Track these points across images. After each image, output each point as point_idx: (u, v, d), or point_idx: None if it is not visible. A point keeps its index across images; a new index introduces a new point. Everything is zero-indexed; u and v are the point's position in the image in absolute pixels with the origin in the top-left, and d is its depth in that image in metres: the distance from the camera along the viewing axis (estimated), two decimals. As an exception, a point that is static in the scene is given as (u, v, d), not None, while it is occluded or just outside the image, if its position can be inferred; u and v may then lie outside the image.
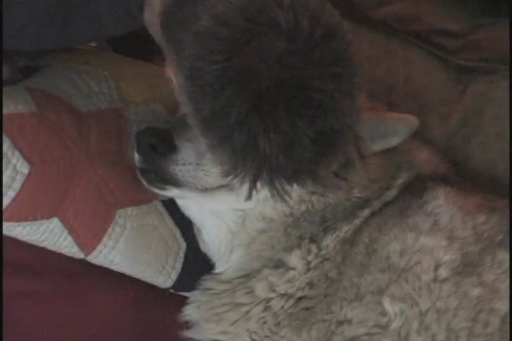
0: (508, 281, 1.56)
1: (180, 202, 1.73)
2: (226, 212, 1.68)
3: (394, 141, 1.67)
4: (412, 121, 1.66)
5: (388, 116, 1.68)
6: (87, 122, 1.64)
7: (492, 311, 1.54)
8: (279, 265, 1.67)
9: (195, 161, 1.57)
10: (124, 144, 1.69)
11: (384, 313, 1.56)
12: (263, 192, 1.62)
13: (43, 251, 1.61)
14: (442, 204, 1.66)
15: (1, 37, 1.47)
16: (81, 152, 1.61)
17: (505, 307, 1.53)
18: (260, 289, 1.66)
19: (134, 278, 1.71)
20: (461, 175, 1.88)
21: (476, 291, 1.55)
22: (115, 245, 1.64)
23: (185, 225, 1.75)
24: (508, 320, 1.52)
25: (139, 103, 1.75)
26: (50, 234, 1.57)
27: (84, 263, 1.65)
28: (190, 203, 1.71)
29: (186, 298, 1.77)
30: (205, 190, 1.61)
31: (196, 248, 1.76)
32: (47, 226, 1.56)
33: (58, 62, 1.73)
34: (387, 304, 1.56)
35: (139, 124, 1.71)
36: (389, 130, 1.66)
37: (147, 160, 1.58)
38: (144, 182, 1.62)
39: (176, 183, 1.58)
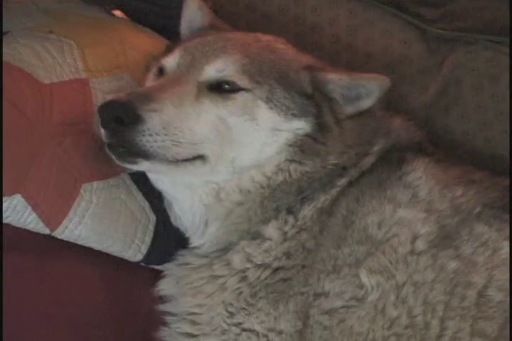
0: (485, 254, 1.55)
1: (151, 175, 1.69)
2: (199, 184, 1.65)
3: (367, 103, 1.67)
4: (384, 80, 1.66)
5: (360, 76, 1.67)
6: (50, 94, 1.60)
7: (469, 285, 1.53)
8: (255, 236, 1.65)
9: (163, 131, 1.53)
10: (89, 115, 1.65)
11: (361, 286, 1.55)
12: (239, 163, 1.61)
13: (12, 226, 1.57)
14: (421, 176, 1.65)
15: (0, 35, 1.48)
16: (43, 125, 1.57)
17: (482, 281, 1.53)
18: (237, 261, 1.64)
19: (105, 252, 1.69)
20: (439, 146, 1.86)
21: (452, 264, 1.54)
22: (81, 220, 1.61)
23: (154, 198, 1.72)
24: (484, 294, 1.52)
25: (105, 73, 1.72)
26: (13, 211, 1.54)
27: (54, 238, 1.62)
28: (161, 176, 1.68)
29: (160, 270, 1.75)
30: (177, 162, 1.57)
31: (167, 221, 1.74)
32: (9, 203, 1.53)
33: (21, 30, 1.68)
34: (364, 276, 1.55)
35: (105, 95, 1.67)
36: (361, 91, 1.65)
37: (113, 134, 1.53)
38: (114, 158, 1.58)
39: (145, 155, 1.54)
